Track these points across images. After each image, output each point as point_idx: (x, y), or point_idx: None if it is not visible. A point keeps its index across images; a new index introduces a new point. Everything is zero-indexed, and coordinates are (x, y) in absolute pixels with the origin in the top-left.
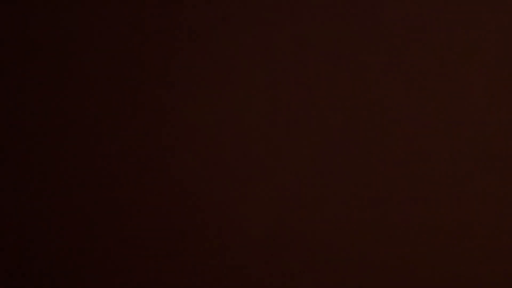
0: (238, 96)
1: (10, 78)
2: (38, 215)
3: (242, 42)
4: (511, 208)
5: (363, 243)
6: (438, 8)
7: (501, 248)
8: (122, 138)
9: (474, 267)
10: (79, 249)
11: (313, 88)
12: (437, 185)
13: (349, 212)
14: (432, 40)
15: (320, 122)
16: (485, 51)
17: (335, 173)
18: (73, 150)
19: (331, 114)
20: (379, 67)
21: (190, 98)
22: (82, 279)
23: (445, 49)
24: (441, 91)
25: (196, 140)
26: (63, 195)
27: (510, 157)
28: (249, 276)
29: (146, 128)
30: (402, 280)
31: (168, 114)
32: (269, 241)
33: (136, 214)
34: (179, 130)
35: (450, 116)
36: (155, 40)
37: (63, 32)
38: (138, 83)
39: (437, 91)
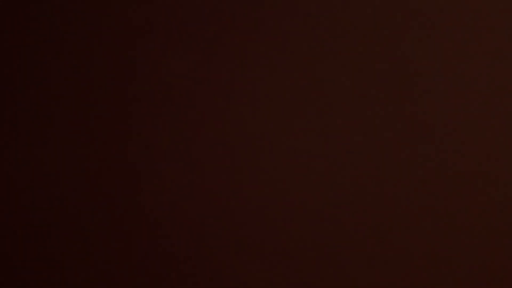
0: (237, 95)
1: (10, 77)
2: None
3: (241, 41)
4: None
5: (364, 243)
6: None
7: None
8: (121, 137)
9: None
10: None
11: (311, 86)
12: (438, 186)
13: (350, 213)
14: (432, 38)
15: (319, 122)
16: (484, 50)
17: (335, 174)
18: (73, 150)
19: (331, 114)
20: (380, 67)
21: (190, 97)
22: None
23: (444, 46)
24: (440, 90)
25: (196, 139)
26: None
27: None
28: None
29: (145, 128)
30: (403, 280)
31: (169, 112)
32: (269, 243)
33: (136, 214)
34: (179, 129)
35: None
36: (156, 40)
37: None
38: (138, 82)
39: (436, 89)
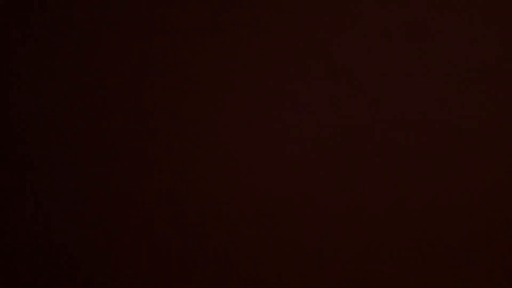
0: (236, 95)
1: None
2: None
3: (241, 42)
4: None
5: (361, 242)
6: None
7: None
8: (122, 138)
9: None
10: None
11: (310, 87)
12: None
13: (347, 212)
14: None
15: (318, 121)
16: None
17: (333, 174)
18: (76, 150)
19: (329, 114)
20: (377, 67)
21: (191, 99)
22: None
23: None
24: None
25: (196, 139)
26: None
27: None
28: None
29: (145, 129)
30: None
31: (168, 113)
32: (267, 242)
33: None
34: (178, 130)
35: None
36: (157, 40)
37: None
38: (139, 83)
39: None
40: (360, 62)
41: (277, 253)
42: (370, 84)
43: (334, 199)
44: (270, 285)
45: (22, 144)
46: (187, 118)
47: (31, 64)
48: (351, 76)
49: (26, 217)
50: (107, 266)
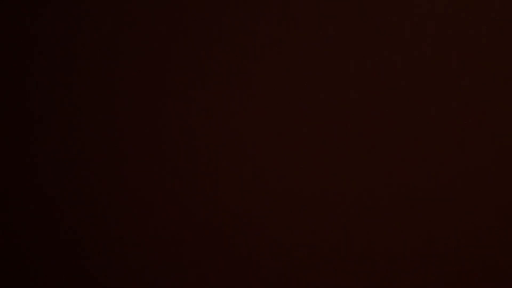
0: (238, 97)
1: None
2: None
3: (240, 43)
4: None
5: (364, 243)
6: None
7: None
8: (123, 140)
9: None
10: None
11: (312, 88)
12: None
13: (351, 215)
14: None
15: (320, 123)
16: (482, 51)
17: (336, 175)
18: (73, 151)
19: (330, 115)
20: (378, 67)
21: (191, 100)
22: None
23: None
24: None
25: (197, 142)
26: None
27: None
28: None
29: (145, 131)
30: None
31: (169, 116)
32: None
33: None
34: (179, 132)
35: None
36: (154, 41)
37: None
38: (137, 84)
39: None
40: (361, 63)
41: (278, 253)
42: (371, 84)
43: (336, 199)
44: (271, 285)
45: (27, 142)
46: (193, 118)
47: (35, 62)
48: (351, 74)
49: (30, 215)
50: (111, 265)
